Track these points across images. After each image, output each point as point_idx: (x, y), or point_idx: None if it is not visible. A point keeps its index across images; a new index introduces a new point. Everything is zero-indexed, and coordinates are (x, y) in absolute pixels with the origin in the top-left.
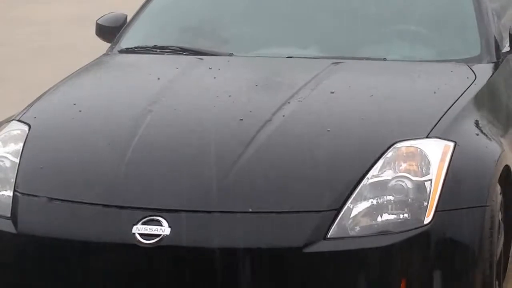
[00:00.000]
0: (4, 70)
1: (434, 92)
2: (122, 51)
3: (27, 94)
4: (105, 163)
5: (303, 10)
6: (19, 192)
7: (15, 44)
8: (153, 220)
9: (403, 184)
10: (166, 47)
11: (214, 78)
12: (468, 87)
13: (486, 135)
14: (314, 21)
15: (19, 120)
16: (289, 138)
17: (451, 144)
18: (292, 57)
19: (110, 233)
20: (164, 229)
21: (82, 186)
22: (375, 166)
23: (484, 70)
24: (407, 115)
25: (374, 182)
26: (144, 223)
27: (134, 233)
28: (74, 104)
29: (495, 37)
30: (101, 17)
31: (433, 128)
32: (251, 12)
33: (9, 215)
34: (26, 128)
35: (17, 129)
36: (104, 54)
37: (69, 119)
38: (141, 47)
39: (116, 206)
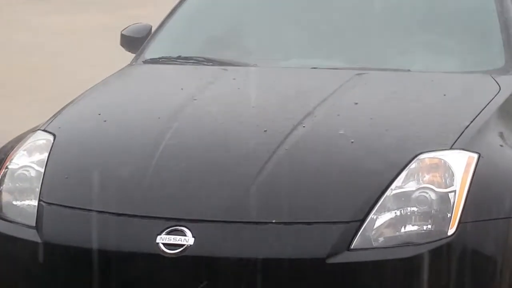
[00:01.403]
0: None
1: (458, 104)
2: (146, 62)
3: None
4: (129, 174)
5: (327, 21)
6: (44, 202)
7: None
8: (177, 230)
9: (427, 195)
10: (190, 58)
11: (238, 89)
12: (492, 99)
13: (510, 147)
14: (338, 32)
15: (44, 130)
16: (312, 149)
17: (475, 156)
18: (316, 68)
19: (134, 242)
20: (188, 239)
21: (106, 196)
22: (398, 177)
23: (509, 82)
24: (431, 126)
25: (397, 193)
26: (168, 233)
27: (158, 243)
28: (99, 114)
29: None
30: (126, 28)
31: (457, 139)
32: (275, 23)
33: (34, 224)
34: (51, 138)
35: (43, 139)
36: (128, 65)
37: (94, 129)
38: (166, 58)
39: (141, 216)
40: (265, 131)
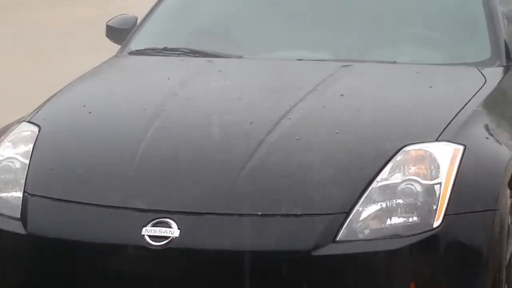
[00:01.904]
0: None
1: (444, 96)
2: (132, 53)
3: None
4: (114, 165)
5: (313, 13)
6: (29, 193)
7: None
8: (162, 222)
9: (412, 187)
10: (176, 49)
11: (224, 80)
12: (478, 91)
13: (496, 139)
14: (324, 24)
15: (29, 122)
16: (298, 141)
17: (461, 148)
18: (302, 59)
19: (119, 234)
20: (173, 231)
21: (91, 188)
22: (384, 169)
23: (494, 74)
24: (416, 118)
25: (383, 185)
26: (153, 225)
27: (143, 235)
28: (84, 106)
29: (505, 41)
30: (111, 19)
31: (442, 131)
32: (261, 14)
33: (18, 216)
34: (36, 129)
35: (27, 130)
36: (114, 56)
37: (79, 121)
38: (151, 49)
39: (126, 208)
40: (250, 123)
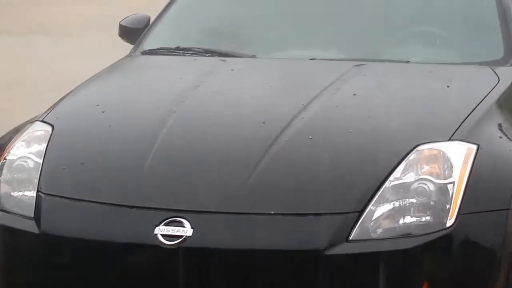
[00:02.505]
0: None
1: (457, 95)
2: (144, 53)
3: None
4: (127, 164)
5: (326, 12)
6: (42, 193)
7: None
8: (175, 221)
9: (426, 186)
10: (189, 49)
11: (237, 79)
12: (491, 90)
13: (509, 138)
14: (337, 23)
15: (42, 121)
16: (311, 140)
17: (474, 147)
18: (315, 59)
19: (132, 234)
20: (187, 230)
21: (104, 187)
22: (397, 169)
23: (507, 73)
24: (429, 117)
25: (396, 184)
26: (166, 224)
27: (156, 234)
28: (97, 105)
29: None
30: (124, 18)
31: (456, 130)
32: (273, 13)
33: (32, 215)
34: (49, 128)
35: (41, 129)
36: (126, 56)
37: (92, 120)
38: (164, 49)
39: (139, 207)
40: (263, 122)
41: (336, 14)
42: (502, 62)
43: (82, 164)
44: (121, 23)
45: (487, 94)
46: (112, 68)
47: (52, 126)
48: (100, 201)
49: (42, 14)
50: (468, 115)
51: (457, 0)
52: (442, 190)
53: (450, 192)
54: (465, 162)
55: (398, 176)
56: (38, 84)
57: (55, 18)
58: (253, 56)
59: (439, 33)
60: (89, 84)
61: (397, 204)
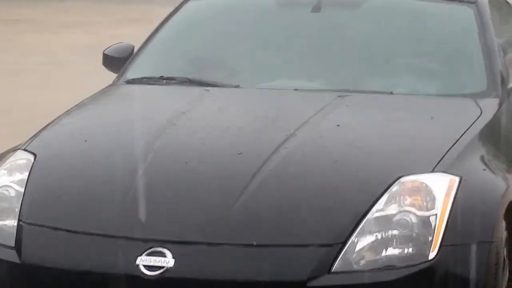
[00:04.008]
0: None
1: (440, 127)
2: (128, 82)
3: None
4: (109, 194)
5: (309, 43)
6: (24, 222)
7: None
8: (157, 251)
9: (408, 218)
10: (173, 78)
11: (220, 110)
12: (474, 122)
13: (492, 171)
14: (321, 54)
15: (25, 150)
16: (294, 171)
17: (457, 179)
18: (299, 89)
19: (114, 264)
20: (168, 261)
21: (86, 217)
22: (380, 200)
23: (490, 105)
24: (412, 149)
25: (379, 216)
26: (148, 254)
27: (138, 264)
28: (80, 134)
29: (501, 72)
30: (108, 47)
31: (438, 162)
32: (258, 44)
33: (13, 244)
34: (31, 157)
35: (23, 158)
36: (110, 85)
37: (74, 149)
38: (148, 78)
39: (121, 237)
40: (240, 153)
41: (320, 45)
42: (485, 94)
43: (64, 193)
44: (105, 52)
45: (470, 126)
46: (96, 97)
47: (35, 155)
48: (82, 230)
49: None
50: (451, 147)
51: (440, 32)
52: (425, 222)
53: (433, 224)
54: (447, 194)
55: (380, 208)
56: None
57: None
58: (237, 86)
59: (423, 64)
60: (72, 112)
61: (379, 235)
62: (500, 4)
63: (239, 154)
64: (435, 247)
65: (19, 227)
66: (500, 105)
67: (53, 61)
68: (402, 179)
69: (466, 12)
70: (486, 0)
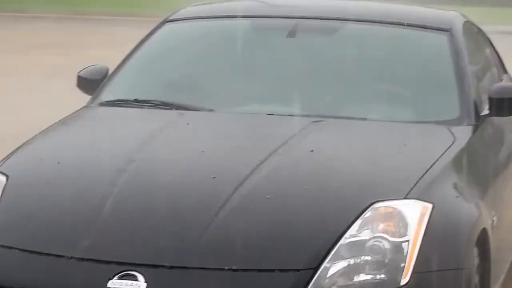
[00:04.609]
0: None
1: (413, 153)
2: (102, 104)
3: None
4: (81, 217)
5: (285, 68)
6: None
7: None
8: (129, 275)
9: (381, 244)
10: (147, 101)
11: (193, 134)
12: (447, 149)
13: (464, 198)
14: (296, 79)
15: None
16: (268, 196)
17: (429, 206)
18: (273, 114)
19: (85, 287)
20: (140, 285)
21: (58, 239)
22: (353, 226)
23: (463, 133)
24: (386, 175)
25: (351, 241)
26: (119, 278)
27: None
28: (53, 156)
29: (474, 99)
30: (83, 69)
31: (411, 189)
32: (233, 68)
33: None
34: (4, 178)
35: None
36: (84, 107)
37: (47, 171)
38: (122, 101)
39: (92, 260)
40: (213, 177)
41: (295, 70)
42: (458, 121)
43: (35, 215)
44: (79, 74)
45: (443, 153)
46: (69, 119)
47: (7, 176)
48: (53, 253)
49: None
50: (424, 174)
51: (415, 59)
52: (397, 248)
53: (405, 251)
54: (420, 221)
55: (353, 234)
56: None
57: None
58: (211, 110)
59: (397, 91)
60: (45, 134)
61: (352, 261)
62: (473, 32)
63: (213, 178)
64: (407, 273)
65: None
66: (473, 132)
67: (22, 82)
68: (375, 205)
69: (440, 39)
70: (460, 27)
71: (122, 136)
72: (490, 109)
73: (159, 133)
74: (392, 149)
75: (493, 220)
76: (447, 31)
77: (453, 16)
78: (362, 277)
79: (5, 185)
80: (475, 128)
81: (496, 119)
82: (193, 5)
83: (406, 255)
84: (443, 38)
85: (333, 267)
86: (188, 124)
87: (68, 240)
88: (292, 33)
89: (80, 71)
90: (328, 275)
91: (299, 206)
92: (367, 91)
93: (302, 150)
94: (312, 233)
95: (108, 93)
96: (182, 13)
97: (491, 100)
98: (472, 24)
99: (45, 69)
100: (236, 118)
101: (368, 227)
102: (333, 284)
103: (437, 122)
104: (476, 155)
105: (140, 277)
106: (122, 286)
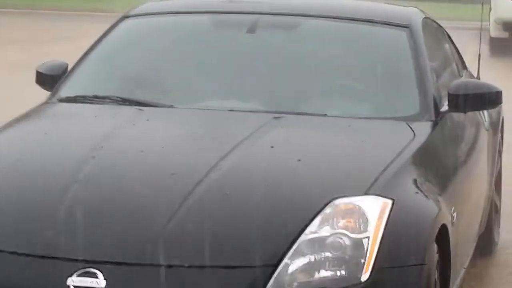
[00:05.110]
0: None
1: (373, 149)
2: (62, 100)
3: None
4: (40, 214)
5: (245, 64)
6: None
7: None
8: (88, 272)
9: (341, 241)
10: (107, 97)
11: (153, 130)
12: (407, 145)
13: (424, 193)
14: (257, 75)
15: None
16: (227, 192)
17: (389, 202)
18: (233, 110)
19: (44, 284)
20: (100, 282)
21: (16, 237)
22: (313, 222)
23: (423, 129)
24: (345, 171)
25: (312, 238)
26: (79, 275)
27: (68, 286)
28: (11, 153)
29: (434, 95)
30: (41, 65)
31: (371, 185)
32: (193, 64)
33: None
34: None
35: None
36: (43, 103)
37: (6, 168)
38: (81, 97)
39: (51, 257)
40: (173, 174)
41: (255, 66)
42: (418, 117)
43: None
44: (38, 69)
45: (403, 149)
46: (28, 115)
47: None
48: (11, 250)
49: None
50: (384, 170)
51: (374, 55)
52: (357, 244)
53: (365, 247)
54: (380, 217)
55: (314, 230)
56: None
57: None
58: (171, 106)
59: (357, 87)
60: (4, 130)
61: (312, 258)
62: (433, 28)
63: (172, 174)
64: (367, 269)
65: None
66: (432, 128)
67: None
68: (335, 202)
69: (399, 35)
70: (419, 23)
71: (81, 132)
72: (449, 105)
73: (118, 129)
74: (352, 145)
75: (453, 216)
76: (406, 27)
77: (413, 12)
78: (323, 273)
79: None
80: (435, 124)
81: (456, 115)
82: (152, 1)
83: (367, 251)
84: (402, 34)
85: (293, 263)
86: (147, 120)
87: (27, 237)
88: (252, 29)
89: (39, 66)
90: (289, 271)
91: (259, 202)
92: (327, 87)
93: (262, 147)
94: (272, 230)
95: (68, 89)
96: (141, 9)
97: (450, 96)
98: (432, 20)
99: (7, 65)
100: (196, 114)
101: (328, 223)
102: (294, 281)
103: (397, 118)
104: (435, 151)
105: (100, 274)
106: (81, 284)
